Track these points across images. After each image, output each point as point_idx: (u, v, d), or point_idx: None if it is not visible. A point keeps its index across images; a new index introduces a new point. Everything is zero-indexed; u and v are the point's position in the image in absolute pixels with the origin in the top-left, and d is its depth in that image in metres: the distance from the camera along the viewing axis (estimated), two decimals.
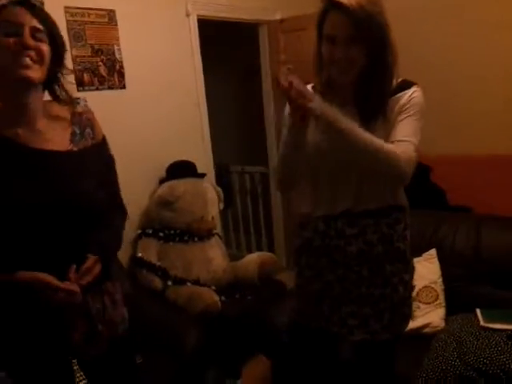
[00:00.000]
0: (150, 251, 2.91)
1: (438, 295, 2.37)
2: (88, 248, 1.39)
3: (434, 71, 3.45)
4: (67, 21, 2.68)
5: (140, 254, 2.87)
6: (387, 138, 1.47)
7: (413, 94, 1.49)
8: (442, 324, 2.28)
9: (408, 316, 1.68)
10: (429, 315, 2.30)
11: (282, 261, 4.25)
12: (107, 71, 2.91)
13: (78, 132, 1.43)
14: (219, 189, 3.35)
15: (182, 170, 3.15)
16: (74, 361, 1.55)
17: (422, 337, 2.22)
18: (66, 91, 1.43)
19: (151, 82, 3.14)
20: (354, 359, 1.77)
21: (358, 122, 1.46)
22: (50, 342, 1.39)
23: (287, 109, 1.52)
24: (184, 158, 3.22)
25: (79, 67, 2.76)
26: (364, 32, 1.39)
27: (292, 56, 3.84)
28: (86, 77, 2.81)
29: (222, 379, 2.59)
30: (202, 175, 3.26)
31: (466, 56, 3.47)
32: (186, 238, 3.03)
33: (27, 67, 1.27)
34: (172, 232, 3.01)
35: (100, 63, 2.88)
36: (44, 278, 1.28)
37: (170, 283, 2.80)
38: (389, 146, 1.43)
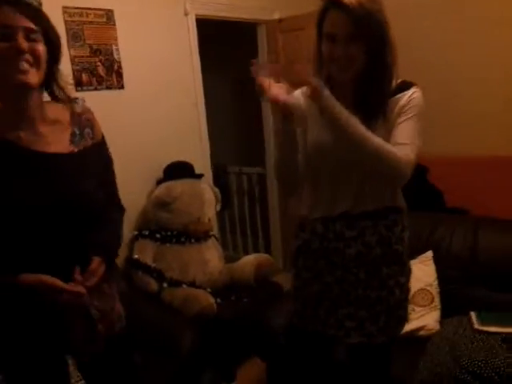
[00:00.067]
0: (146, 253, 2.90)
1: (433, 298, 2.37)
2: (92, 249, 1.40)
3: (433, 71, 3.45)
4: (65, 21, 2.67)
5: (136, 256, 2.87)
6: (387, 138, 1.47)
7: (412, 95, 1.49)
8: (437, 327, 2.28)
9: (404, 319, 1.69)
10: (424, 318, 2.30)
11: (279, 263, 4.25)
12: (105, 71, 2.91)
13: (77, 133, 1.43)
14: (216, 190, 3.35)
15: (179, 170, 3.14)
16: (70, 361, 1.55)
17: (417, 339, 2.22)
18: (63, 91, 1.43)
19: (149, 82, 3.14)
20: (349, 362, 1.78)
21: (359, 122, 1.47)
22: (48, 342, 1.39)
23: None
24: (182, 158, 3.22)
25: (77, 67, 2.76)
26: (364, 30, 1.40)
27: (290, 56, 3.84)
28: (84, 77, 2.80)
29: (217, 381, 2.59)
30: (200, 176, 3.25)
31: (465, 56, 3.47)
32: (182, 239, 3.03)
33: (25, 72, 1.26)
34: (169, 233, 3.00)
35: (98, 63, 2.87)
36: (48, 281, 1.28)
37: (165, 285, 2.80)
38: (390, 147, 1.43)
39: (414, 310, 2.28)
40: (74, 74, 2.73)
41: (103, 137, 1.52)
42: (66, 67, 2.58)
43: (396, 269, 1.61)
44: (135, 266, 2.86)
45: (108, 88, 2.92)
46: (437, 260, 2.50)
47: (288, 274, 1.90)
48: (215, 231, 3.46)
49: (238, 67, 5.10)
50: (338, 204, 1.59)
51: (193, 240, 3.07)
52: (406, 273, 1.66)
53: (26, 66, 1.26)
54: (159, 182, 3.11)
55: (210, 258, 3.11)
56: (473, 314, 2.18)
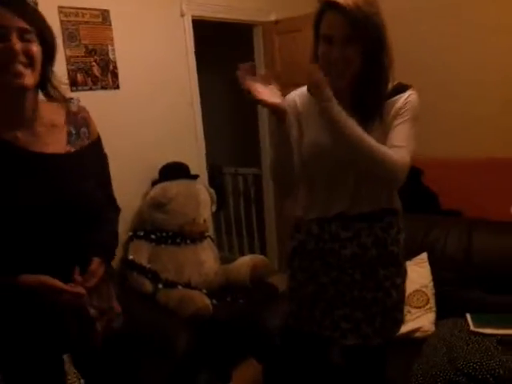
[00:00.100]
0: (141, 254, 2.89)
1: (428, 299, 2.37)
2: (91, 249, 1.40)
3: (428, 74, 3.47)
4: (61, 21, 2.66)
5: (131, 257, 2.86)
6: (384, 140, 1.47)
7: (408, 98, 1.50)
8: (432, 328, 2.28)
9: (400, 321, 1.69)
10: (419, 319, 2.30)
11: (275, 264, 4.25)
12: (101, 71, 2.90)
13: (73, 132, 1.43)
14: (212, 190, 3.34)
15: (174, 171, 3.14)
16: (66, 359, 1.56)
17: (413, 341, 2.21)
18: (58, 90, 1.42)
19: (145, 82, 3.13)
20: (344, 363, 1.77)
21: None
22: (46, 341, 1.39)
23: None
24: (177, 159, 3.21)
25: (73, 67, 2.75)
26: (360, 32, 1.40)
27: (287, 57, 3.84)
28: (79, 77, 2.79)
29: (213, 383, 2.59)
30: (195, 177, 3.25)
31: (460, 59, 3.49)
32: (178, 240, 3.02)
33: (20, 75, 1.25)
34: (164, 234, 3.00)
35: (94, 63, 2.87)
36: (48, 281, 1.28)
37: (160, 286, 2.79)
38: (386, 149, 1.44)
39: (409, 312, 2.28)
40: (69, 73, 2.72)
41: (99, 136, 1.52)
42: (61, 67, 2.57)
43: (392, 270, 1.61)
44: (130, 266, 2.85)
45: (103, 88, 2.91)
46: (432, 262, 2.50)
47: (283, 274, 1.90)
48: (211, 232, 3.46)
49: (234, 68, 5.13)
50: (334, 205, 1.59)
51: (188, 241, 3.06)
52: (402, 274, 1.66)
53: (20, 68, 1.25)
54: (154, 183, 3.11)
55: (206, 259, 3.10)
56: (468, 316, 2.19)
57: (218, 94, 5.17)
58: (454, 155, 3.50)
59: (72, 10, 2.72)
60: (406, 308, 2.22)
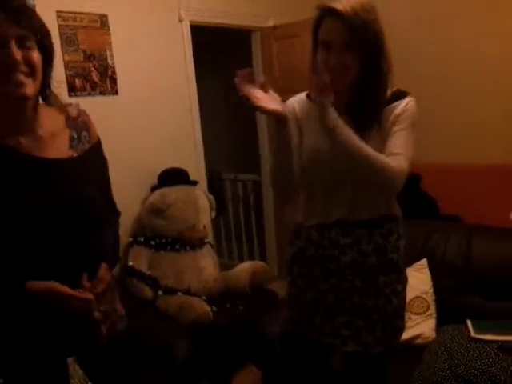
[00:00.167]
0: (140, 260, 2.88)
1: (429, 306, 2.36)
2: (97, 253, 1.41)
3: (427, 80, 3.49)
4: (59, 25, 2.67)
5: (131, 263, 2.85)
6: (382, 147, 1.47)
7: (407, 105, 1.49)
8: (433, 335, 2.27)
9: (401, 328, 1.68)
10: (420, 326, 2.29)
11: (274, 270, 4.24)
12: (99, 77, 2.90)
13: (75, 136, 1.43)
14: (211, 196, 3.34)
15: (173, 177, 3.13)
16: (71, 361, 1.55)
17: (413, 348, 2.20)
18: (56, 96, 1.43)
19: (143, 87, 3.13)
20: (345, 371, 1.76)
21: (353, 131, 1.46)
22: (50, 345, 1.38)
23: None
24: (176, 165, 3.21)
25: (71, 72, 2.75)
26: (359, 38, 1.40)
27: (285, 63, 3.84)
28: (77, 82, 2.79)
29: None
30: (194, 183, 3.25)
31: (459, 66, 3.51)
32: (177, 246, 3.01)
33: (21, 85, 1.24)
34: (163, 240, 2.99)
35: (92, 69, 2.86)
36: (58, 288, 1.28)
37: (160, 293, 2.78)
38: (385, 159, 1.43)
39: (410, 319, 2.27)
40: (67, 79, 2.72)
41: (99, 139, 1.52)
42: (59, 72, 2.57)
43: (393, 277, 1.60)
44: (130, 273, 2.84)
45: (102, 94, 2.91)
46: (431, 268, 2.49)
47: (283, 281, 1.89)
48: (210, 238, 3.45)
49: (233, 74, 5.14)
50: (334, 211, 1.59)
51: (188, 247, 3.05)
52: (403, 281, 1.65)
53: (21, 77, 1.24)
54: (153, 189, 3.10)
55: (205, 265, 3.10)
56: (469, 322, 2.17)
57: (217, 100, 5.18)
58: (452, 161, 3.51)
59: (70, 15, 2.72)
60: (407, 315, 2.20)
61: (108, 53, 2.92)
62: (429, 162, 3.16)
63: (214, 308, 2.76)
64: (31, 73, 1.26)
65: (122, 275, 2.87)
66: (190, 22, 3.40)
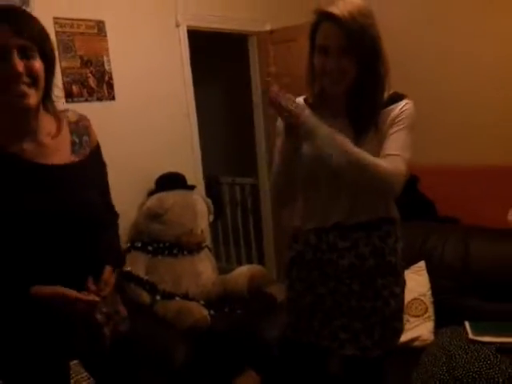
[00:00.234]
0: (138, 265, 2.88)
1: (427, 308, 2.36)
2: (103, 257, 1.44)
3: (424, 82, 3.50)
4: (56, 32, 2.67)
5: (128, 268, 2.84)
6: (379, 149, 1.48)
7: (404, 107, 1.50)
8: (431, 337, 2.27)
9: (399, 331, 1.68)
10: (418, 328, 2.29)
11: (273, 273, 4.23)
12: (96, 82, 2.90)
13: (77, 141, 1.44)
14: (209, 201, 3.34)
15: (171, 181, 3.13)
16: (74, 362, 1.58)
17: (412, 350, 2.20)
18: (54, 103, 1.43)
19: (141, 93, 3.14)
20: (343, 374, 1.76)
21: (351, 134, 1.47)
22: (53, 347, 1.39)
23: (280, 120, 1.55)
24: (173, 169, 3.21)
25: (68, 79, 2.75)
26: (356, 43, 1.41)
27: (282, 67, 3.85)
28: (74, 88, 2.79)
29: None
30: (192, 187, 3.24)
31: (456, 67, 3.52)
32: (175, 251, 3.01)
33: (24, 95, 1.25)
34: (161, 245, 2.98)
35: (89, 74, 2.87)
36: (64, 292, 1.29)
37: (158, 298, 2.78)
38: (379, 161, 1.44)
39: (408, 321, 2.27)
40: (64, 85, 2.72)
41: (98, 143, 1.53)
42: (56, 78, 2.57)
43: (391, 279, 1.60)
44: (127, 278, 2.83)
45: (99, 99, 2.92)
46: (429, 270, 2.49)
47: (282, 284, 1.89)
48: (208, 242, 3.45)
49: (230, 78, 5.15)
50: (332, 215, 1.59)
51: (185, 252, 3.05)
52: (401, 283, 1.65)
53: (24, 88, 1.24)
54: (151, 194, 3.10)
55: (203, 269, 3.09)
56: (467, 324, 2.17)
57: (213, 104, 5.18)
58: (449, 163, 3.51)
59: (67, 21, 2.73)
60: (405, 317, 2.20)
61: (105, 59, 2.93)
62: (426, 164, 3.17)
63: (212, 312, 2.75)
64: (33, 83, 1.26)
65: (120, 280, 2.85)
66: (187, 26, 3.40)
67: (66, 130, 1.43)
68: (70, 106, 2.66)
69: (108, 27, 2.93)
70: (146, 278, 2.85)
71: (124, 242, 2.98)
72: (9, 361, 1.38)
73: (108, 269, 1.43)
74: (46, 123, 1.39)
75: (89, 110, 2.71)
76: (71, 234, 1.34)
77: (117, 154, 2.84)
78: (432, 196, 3.43)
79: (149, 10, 3.16)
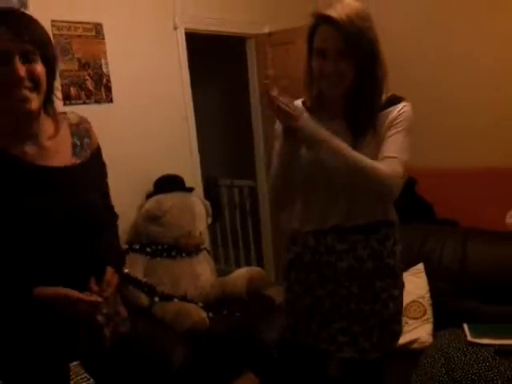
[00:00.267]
0: (136, 267, 2.88)
1: (425, 310, 2.36)
2: (104, 258, 1.44)
3: (422, 85, 3.50)
4: (54, 34, 2.66)
5: (127, 270, 2.84)
6: (377, 152, 1.48)
7: (402, 109, 1.50)
8: (429, 339, 2.27)
9: (398, 333, 1.68)
10: (416, 330, 2.29)
11: (271, 275, 4.23)
12: (94, 85, 2.90)
13: (78, 143, 1.44)
14: (207, 203, 3.34)
15: (169, 184, 3.13)
16: (74, 363, 1.59)
17: (410, 353, 2.20)
18: (53, 105, 1.43)
19: (139, 95, 3.13)
20: (341, 377, 1.76)
21: (349, 136, 1.47)
22: (53, 348, 1.40)
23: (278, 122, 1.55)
24: (172, 171, 3.21)
25: (66, 81, 2.75)
26: (354, 46, 1.41)
27: (280, 70, 3.84)
28: (72, 91, 2.79)
29: None
30: (190, 189, 3.24)
31: (454, 71, 3.53)
32: (173, 253, 3.00)
33: (26, 100, 1.25)
34: (159, 247, 2.98)
35: (87, 77, 2.87)
36: (67, 293, 1.29)
37: (156, 300, 2.77)
38: (377, 164, 1.44)
39: (406, 323, 2.27)
40: (62, 87, 2.72)
41: (98, 145, 1.54)
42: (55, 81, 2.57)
43: (389, 282, 1.60)
44: (126, 280, 2.82)
45: (97, 102, 2.91)
46: (428, 272, 2.49)
47: (280, 286, 1.89)
48: (207, 244, 3.44)
49: (228, 80, 5.15)
50: (330, 217, 1.59)
51: (184, 254, 3.04)
52: (400, 286, 1.66)
53: (26, 93, 1.24)
54: (149, 196, 3.10)
55: (202, 271, 3.09)
56: (466, 326, 2.17)
57: (211, 107, 5.18)
58: (447, 165, 3.52)
59: (65, 24, 2.73)
60: (404, 319, 2.20)
61: (103, 61, 2.93)
62: (424, 166, 3.17)
63: (211, 314, 2.75)
64: (35, 87, 1.26)
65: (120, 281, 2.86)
66: (185, 29, 3.40)
67: (66, 132, 1.43)
68: (68, 109, 2.66)
69: (106, 30, 2.92)
70: (144, 279, 2.84)
71: (122, 244, 2.97)
72: (9, 361, 1.38)
73: (110, 269, 1.44)
74: (47, 126, 1.40)
75: (87, 112, 2.69)
76: (72, 236, 1.35)
77: (115, 156, 2.81)
78: (430, 198, 3.44)
79: (147, 13, 3.16)
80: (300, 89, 1.61)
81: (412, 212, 2.92)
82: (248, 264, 4.41)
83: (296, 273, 1.70)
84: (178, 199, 3.08)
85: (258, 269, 3.32)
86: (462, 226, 3.11)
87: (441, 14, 3.49)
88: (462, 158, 3.48)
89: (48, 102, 1.38)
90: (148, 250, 2.96)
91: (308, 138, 1.43)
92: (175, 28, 3.35)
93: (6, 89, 1.23)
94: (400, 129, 1.48)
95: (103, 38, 2.92)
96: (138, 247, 2.95)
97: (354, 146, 1.45)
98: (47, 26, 2.62)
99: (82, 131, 1.47)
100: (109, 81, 2.96)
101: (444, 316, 2.35)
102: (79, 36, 2.80)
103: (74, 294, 1.30)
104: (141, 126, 3.15)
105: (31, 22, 1.29)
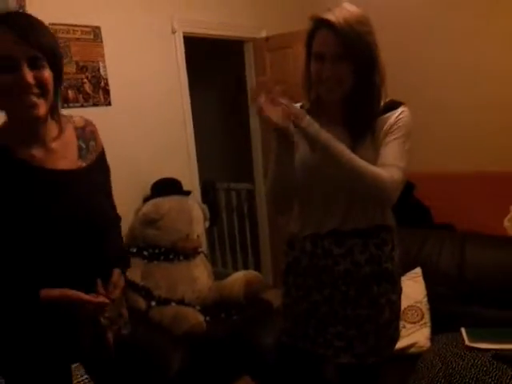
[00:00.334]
0: (134, 271, 2.86)
1: (423, 315, 2.36)
2: (112, 261, 1.45)
3: (420, 90, 3.51)
4: None
5: None
6: (376, 157, 1.48)
7: (401, 115, 1.50)
8: (427, 344, 2.26)
9: (395, 339, 1.67)
10: (414, 335, 2.29)
11: (269, 279, 4.23)
12: (92, 88, 2.90)
13: (83, 146, 1.45)
14: (205, 206, 3.33)
15: (167, 187, 3.13)
16: (75, 365, 1.57)
17: (408, 357, 2.20)
18: (58, 109, 1.43)
19: (137, 99, 3.13)
20: (338, 381, 1.75)
21: (347, 141, 1.47)
22: (57, 351, 1.40)
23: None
24: (169, 175, 3.20)
25: (64, 84, 2.73)
26: (352, 50, 1.41)
27: (278, 74, 3.86)
28: (70, 94, 2.79)
29: None
30: (188, 193, 3.24)
31: (451, 76, 3.54)
32: (170, 256, 3.00)
33: (34, 106, 1.25)
34: (156, 251, 2.98)
35: (85, 80, 2.87)
36: (73, 295, 1.29)
37: (153, 304, 2.77)
38: (376, 170, 1.44)
39: (404, 327, 2.27)
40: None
41: (103, 148, 1.55)
42: None
43: (387, 287, 1.60)
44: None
45: (95, 105, 2.91)
46: (426, 276, 2.50)
47: (278, 290, 1.88)
48: (204, 247, 3.44)
49: (226, 84, 5.16)
50: (327, 222, 1.59)
51: (181, 257, 3.04)
52: (397, 291, 1.65)
53: (34, 99, 1.24)
54: (146, 199, 3.09)
55: (199, 275, 3.08)
56: (463, 331, 2.17)
57: (210, 110, 5.19)
58: (445, 169, 3.52)
59: (63, 27, 2.73)
60: (401, 323, 2.20)
61: (101, 64, 2.93)
62: (422, 171, 3.17)
63: (208, 318, 2.75)
64: (43, 93, 1.26)
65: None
66: (183, 33, 3.41)
67: (72, 135, 1.44)
68: (66, 112, 2.66)
69: (104, 33, 2.93)
70: (141, 283, 2.84)
71: None
72: (13, 361, 1.39)
73: (117, 271, 1.44)
74: (55, 129, 1.41)
75: (84, 115, 2.70)
76: (80, 238, 1.35)
77: (113, 159, 2.79)
78: (428, 203, 3.44)
79: (145, 16, 3.17)
80: (298, 93, 1.61)
81: (410, 216, 2.92)
82: (245, 267, 4.42)
83: (294, 277, 1.70)
84: (175, 202, 3.07)
85: (256, 273, 3.31)
86: (459, 230, 3.11)
87: (441, 19, 3.50)
88: (459, 162, 3.48)
89: (54, 106, 1.38)
90: (145, 253, 2.96)
91: (312, 137, 1.42)
92: (173, 32, 3.35)
93: (14, 95, 1.23)
94: (399, 135, 1.48)
95: (101, 41, 2.92)
96: (135, 251, 2.95)
97: (353, 150, 1.45)
98: None
99: (87, 134, 1.48)
100: (107, 84, 2.96)
101: (442, 320, 2.35)
102: (77, 39, 2.80)
103: (80, 295, 1.30)
104: (139, 130, 3.15)
105: (37, 25, 1.29)
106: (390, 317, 1.61)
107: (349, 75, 1.45)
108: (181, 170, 3.39)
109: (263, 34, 3.99)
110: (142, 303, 2.75)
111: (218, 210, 4.56)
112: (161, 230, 2.97)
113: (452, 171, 3.49)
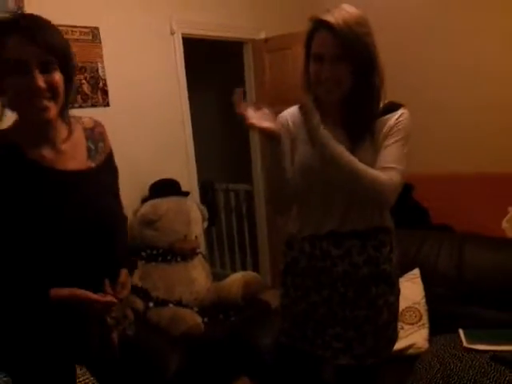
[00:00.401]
0: (132, 271, 2.87)
1: (421, 316, 2.36)
2: (120, 261, 1.48)
3: (419, 91, 3.51)
4: None
5: None
6: (375, 158, 1.48)
7: (400, 117, 1.50)
8: (425, 345, 2.26)
9: (393, 340, 1.68)
10: (412, 336, 2.29)
11: (267, 279, 4.23)
12: (91, 89, 2.90)
13: (93, 147, 1.46)
14: (203, 207, 3.33)
15: (165, 188, 3.12)
16: (82, 371, 1.61)
17: (406, 358, 2.20)
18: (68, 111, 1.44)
19: (135, 99, 3.13)
20: (336, 382, 1.75)
21: (346, 142, 1.47)
22: (63, 351, 1.40)
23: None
24: (168, 176, 3.20)
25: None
26: (351, 51, 1.41)
27: (277, 75, 3.86)
28: None
29: None
30: (186, 194, 3.24)
31: (450, 77, 3.54)
32: (168, 257, 2.99)
33: (45, 109, 1.25)
34: (154, 252, 2.97)
35: (83, 81, 2.86)
36: (81, 295, 1.30)
37: (151, 305, 2.76)
38: (375, 173, 1.44)
39: (402, 328, 2.27)
40: None
41: (111, 149, 1.56)
42: None
43: (385, 288, 1.60)
44: None
45: (93, 106, 2.91)
46: (424, 277, 2.50)
47: (276, 290, 1.88)
48: (203, 248, 3.44)
49: (224, 84, 5.15)
50: (326, 223, 1.59)
51: (179, 258, 3.03)
52: (396, 292, 1.65)
53: (45, 102, 1.25)
54: (144, 200, 3.09)
55: (197, 276, 3.08)
56: (461, 332, 2.17)
57: (209, 110, 5.19)
58: (443, 170, 3.52)
59: (62, 28, 2.66)
60: (399, 324, 2.20)
61: (99, 65, 2.93)
62: (420, 172, 3.18)
63: (206, 319, 2.74)
64: (53, 96, 1.27)
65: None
66: (182, 34, 3.41)
67: (81, 136, 1.45)
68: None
69: (102, 34, 2.93)
70: (139, 284, 2.83)
71: None
72: (21, 360, 1.39)
73: (124, 271, 1.46)
74: (65, 129, 1.41)
75: (83, 116, 2.74)
76: (89, 238, 1.35)
77: None
78: (426, 204, 3.44)
79: (143, 17, 3.17)
80: (297, 94, 1.61)
81: (408, 217, 2.92)
82: (244, 268, 4.42)
83: (292, 277, 1.70)
84: (173, 203, 3.07)
85: (254, 273, 3.31)
86: (457, 232, 3.11)
87: (440, 20, 3.50)
88: (458, 163, 3.49)
89: (64, 107, 1.38)
90: (143, 254, 2.96)
91: (319, 138, 1.42)
92: (172, 33, 3.35)
93: (25, 98, 1.24)
94: (398, 137, 1.48)
95: (100, 42, 2.92)
96: (133, 251, 2.94)
97: (352, 152, 1.45)
98: None
99: (96, 135, 1.49)
100: (105, 85, 2.96)
101: (440, 321, 2.35)
102: (76, 40, 2.80)
103: (88, 295, 1.31)
104: (137, 130, 3.15)
105: (48, 27, 1.29)
106: (389, 318, 1.61)
107: (347, 76, 1.45)
108: (179, 171, 3.39)
109: (262, 36, 3.99)
110: (139, 304, 2.75)
111: (217, 211, 4.56)
112: (159, 230, 2.97)
113: (451, 172, 3.50)
